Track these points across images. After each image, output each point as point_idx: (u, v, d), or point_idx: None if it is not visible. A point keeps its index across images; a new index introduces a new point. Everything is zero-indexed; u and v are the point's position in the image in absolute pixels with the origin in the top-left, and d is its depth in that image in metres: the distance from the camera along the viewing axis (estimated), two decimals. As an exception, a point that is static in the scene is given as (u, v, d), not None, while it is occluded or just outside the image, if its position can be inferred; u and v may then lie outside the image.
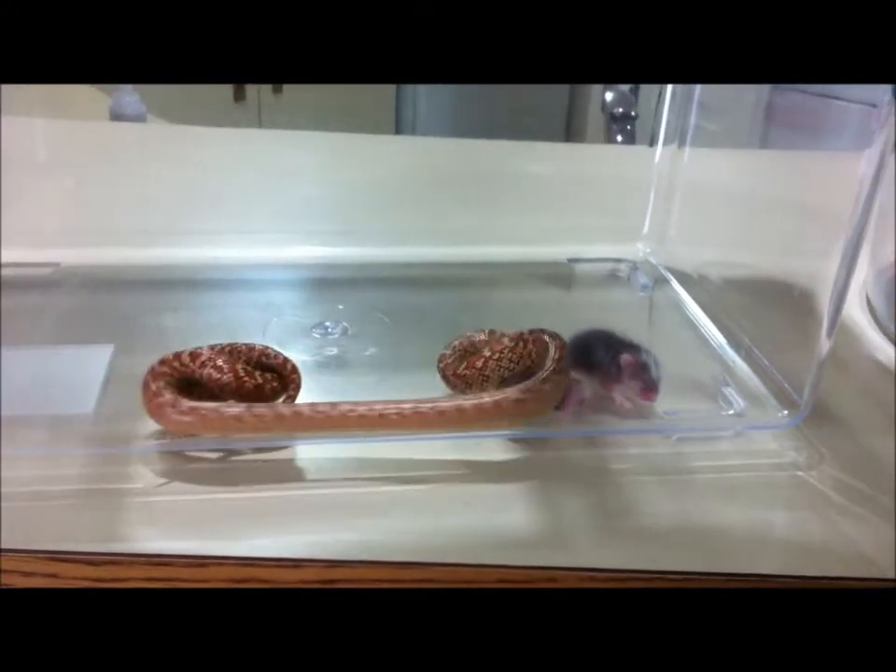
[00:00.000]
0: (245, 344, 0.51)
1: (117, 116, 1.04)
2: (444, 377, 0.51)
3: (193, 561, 0.39)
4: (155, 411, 0.46)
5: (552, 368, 0.49)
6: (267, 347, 0.50)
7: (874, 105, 0.45)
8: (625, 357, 0.49)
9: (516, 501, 0.45)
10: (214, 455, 0.46)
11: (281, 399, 0.48)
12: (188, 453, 0.46)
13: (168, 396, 0.45)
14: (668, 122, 0.69)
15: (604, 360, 0.50)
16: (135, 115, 1.03)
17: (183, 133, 0.95)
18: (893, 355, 0.60)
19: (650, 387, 0.49)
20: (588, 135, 1.92)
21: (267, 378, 0.48)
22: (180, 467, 0.46)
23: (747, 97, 0.68)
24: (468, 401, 0.47)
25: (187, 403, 0.45)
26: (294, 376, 0.49)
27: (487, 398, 0.47)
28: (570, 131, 2.00)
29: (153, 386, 0.46)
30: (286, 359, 0.50)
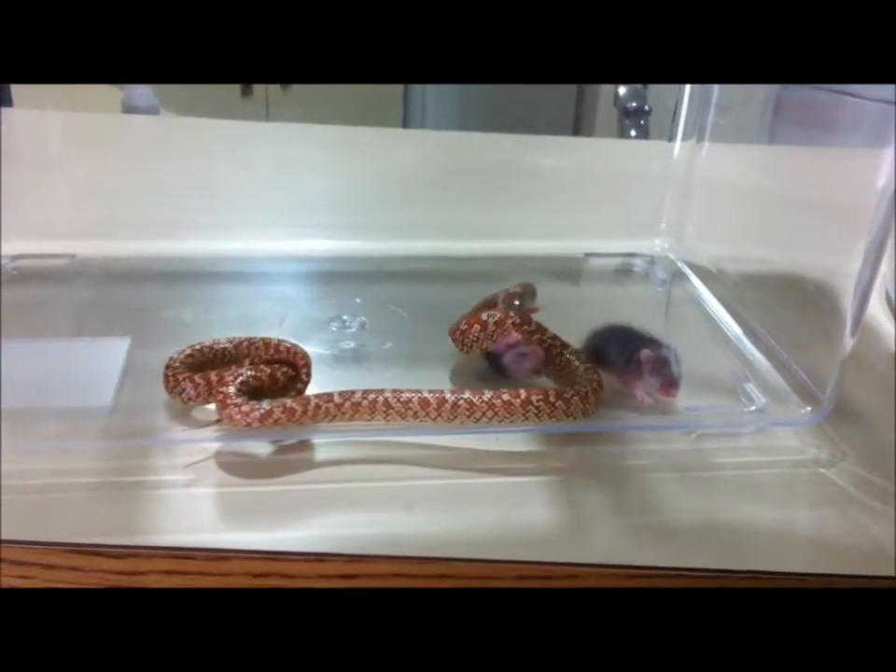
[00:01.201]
0: (262, 339, 0.52)
1: (129, 108, 1.03)
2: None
3: (214, 554, 0.39)
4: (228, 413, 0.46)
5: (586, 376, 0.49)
6: (279, 341, 0.51)
7: (891, 103, 0.45)
8: (645, 353, 0.49)
9: (536, 496, 0.45)
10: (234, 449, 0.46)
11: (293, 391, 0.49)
12: (208, 445, 0.46)
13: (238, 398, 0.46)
14: (687, 117, 0.69)
15: (623, 355, 0.50)
16: (148, 107, 1.03)
17: (196, 125, 0.94)
18: (914, 351, 0.60)
19: (670, 383, 0.48)
20: (597, 129, 1.90)
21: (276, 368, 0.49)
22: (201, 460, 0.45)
23: (758, 93, 0.67)
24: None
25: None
26: (304, 364, 0.50)
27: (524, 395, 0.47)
28: (579, 125, 1.99)
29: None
30: (294, 349, 0.51)
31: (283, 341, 0.51)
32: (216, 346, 0.52)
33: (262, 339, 0.52)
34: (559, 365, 0.52)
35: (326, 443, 0.48)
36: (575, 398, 0.48)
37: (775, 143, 0.68)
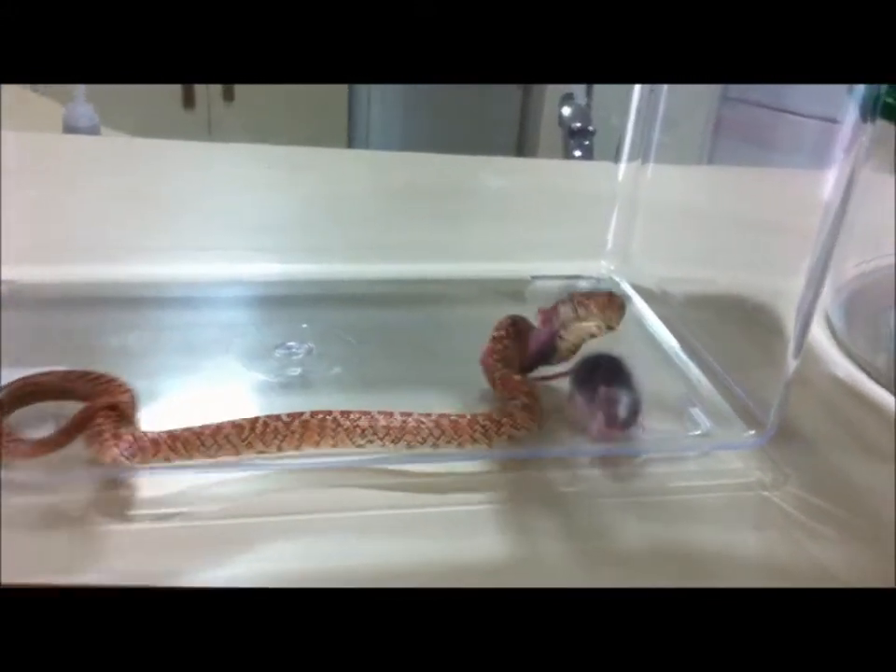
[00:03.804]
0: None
1: (70, 127, 1.02)
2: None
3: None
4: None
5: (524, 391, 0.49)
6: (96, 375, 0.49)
7: (833, 121, 0.45)
8: (602, 389, 0.49)
9: (484, 524, 0.45)
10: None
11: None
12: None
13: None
14: (632, 138, 0.70)
15: (589, 386, 0.50)
16: (89, 127, 1.01)
17: (138, 146, 0.93)
18: (853, 372, 0.61)
19: (612, 423, 0.49)
20: (541, 150, 1.92)
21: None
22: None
23: (699, 111, 0.68)
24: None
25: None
26: (124, 394, 0.48)
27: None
28: (522, 145, 2.00)
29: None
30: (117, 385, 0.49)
31: (105, 375, 0.49)
32: (42, 378, 0.49)
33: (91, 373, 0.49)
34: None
35: (261, 474, 0.47)
36: (517, 411, 0.48)
37: (716, 162, 0.69)
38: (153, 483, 0.45)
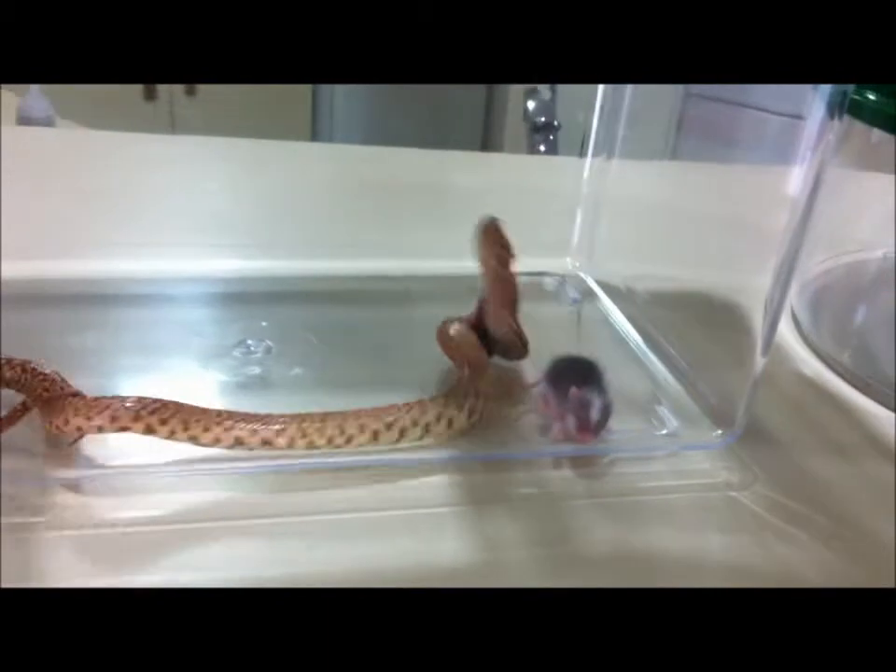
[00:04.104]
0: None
1: (25, 119, 0.99)
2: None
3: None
4: None
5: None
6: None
7: (798, 117, 0.45)
8: (573, 391, 0.48)
9: (446, 527, 0.44)
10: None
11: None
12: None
13: None
14: (597, 133, 0.69)
15: (560, 388, 0.49)
16: (44, 118, 0.99)
17: (93, 138, 0.91)
18: (819, 369, 0.61)
19: (585, 427, 0.48)
20: (506, 144, 1.92)
21: None
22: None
23: (662, 106, 0.68)
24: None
25: None
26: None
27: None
28: (487, 139, 2.00)
29: None
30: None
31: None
32: None
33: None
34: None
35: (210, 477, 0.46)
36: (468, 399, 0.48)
37: (679, 158, 0.69)
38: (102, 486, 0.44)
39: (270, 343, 0.56)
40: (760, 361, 0.49)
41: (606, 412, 0.48)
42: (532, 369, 0.55)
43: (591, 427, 0.47)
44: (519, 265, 0.70)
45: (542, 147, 1.30)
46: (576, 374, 0.50)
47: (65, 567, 0.39)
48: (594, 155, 0.70)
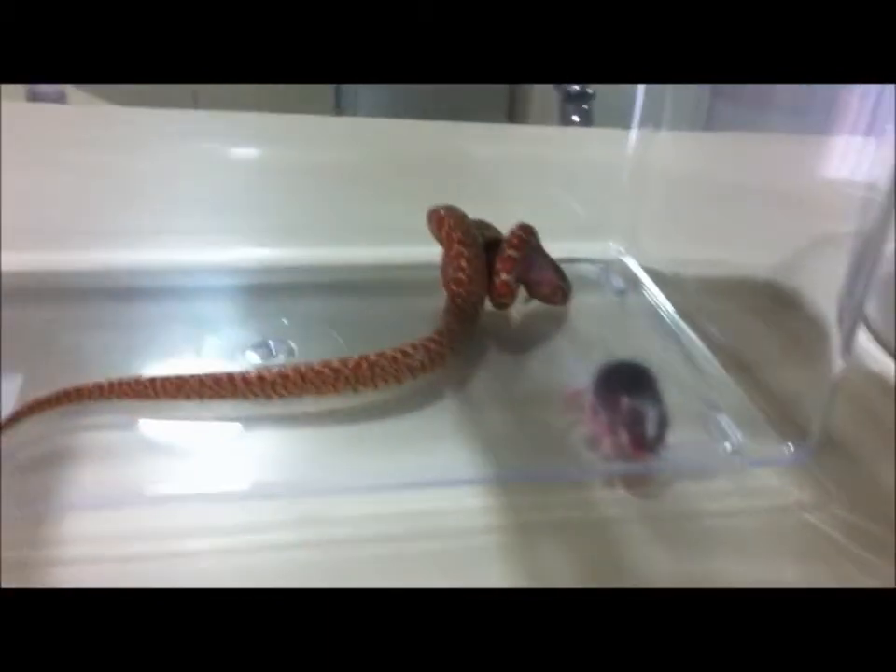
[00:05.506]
0: None
1: (33, 95, 0.95)
2: None
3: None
4: None
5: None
6: None
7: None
8: (624, 401, 0.43)
9: (487, 559, 0.39)
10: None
11: None
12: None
13: None
14: (644, 101, 0.63)
15: (608, 398, 0.44)
16: (53, 94, 0.95)
17: (107, 114, 0.86)
18: (894, 371, 0.55)
19: (639, 443, 0.43)
20: (532, 115, 1.84)
21: None
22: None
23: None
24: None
25: None
26: None
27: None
28: (513, 110, 1.93)
29: None
30: None
31: None
32: None
33: None
34: None
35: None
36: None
37: (714, 128, 0.63)
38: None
39: (292, 343, 0.51)
40: (838, 363, 0.43)
41: (662, 424, 0.43)
42: (577, 373, 0.50)
43: (646, 443, 0.43)
44: (555, 252, 0.65)
45: (576, 118, 1.24)
46: (627, 382, 0.45)
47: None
48: (640, 125, 0.64)
